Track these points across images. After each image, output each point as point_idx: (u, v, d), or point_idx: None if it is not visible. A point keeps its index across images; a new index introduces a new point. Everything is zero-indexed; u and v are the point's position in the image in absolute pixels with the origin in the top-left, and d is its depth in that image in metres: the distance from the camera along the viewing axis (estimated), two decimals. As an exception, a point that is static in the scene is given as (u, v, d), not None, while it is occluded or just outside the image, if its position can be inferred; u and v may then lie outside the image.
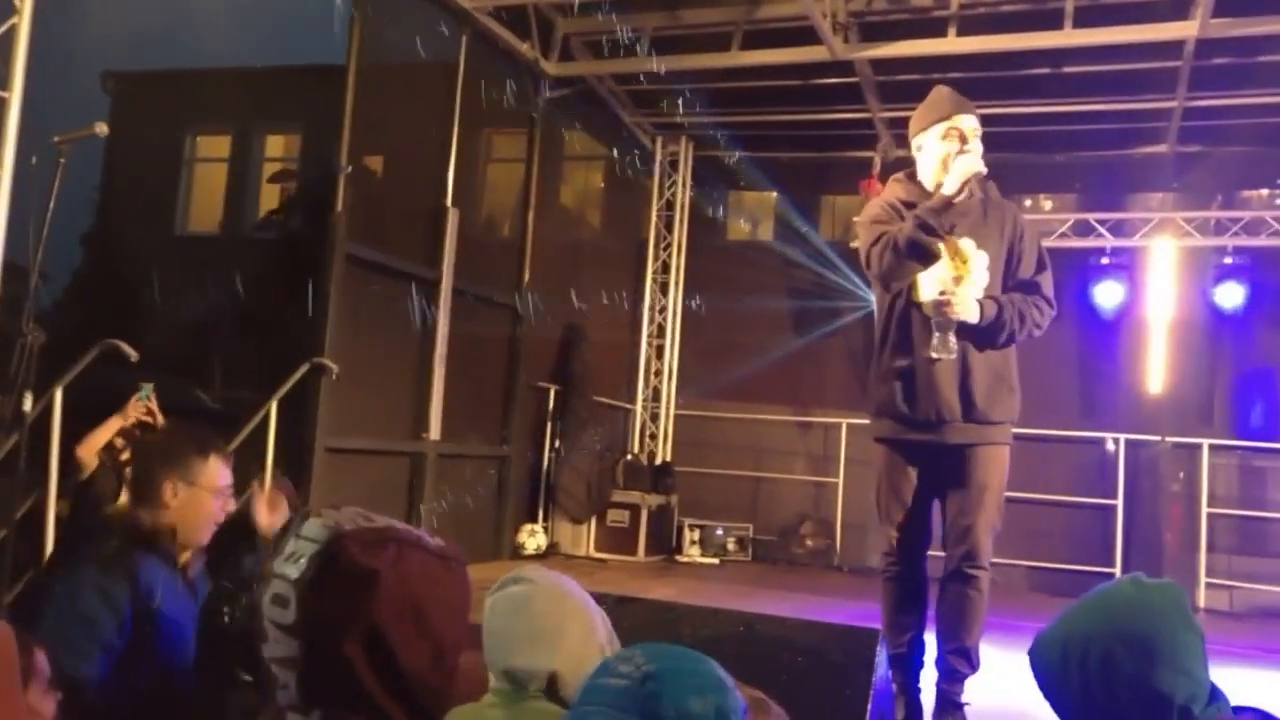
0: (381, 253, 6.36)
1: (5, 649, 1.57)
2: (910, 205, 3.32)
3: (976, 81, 7.77)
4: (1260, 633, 6.39)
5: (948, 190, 3.24)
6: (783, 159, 9.42)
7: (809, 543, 8.81)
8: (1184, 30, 6.63)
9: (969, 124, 3.33)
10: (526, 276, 7.97)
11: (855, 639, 2.76)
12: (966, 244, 3.30)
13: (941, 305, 3.17)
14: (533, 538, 7.92)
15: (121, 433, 3.37)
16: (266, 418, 5.01)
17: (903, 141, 8.80)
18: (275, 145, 13.98)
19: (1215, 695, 1.50)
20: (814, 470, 9.22)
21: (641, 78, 8.41)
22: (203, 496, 2.36)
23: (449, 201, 7.06)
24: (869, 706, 2.50)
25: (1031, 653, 1.58)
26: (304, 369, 5.46)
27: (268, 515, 2.58)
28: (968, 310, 3.20)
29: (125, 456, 3.21)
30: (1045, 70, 7.53)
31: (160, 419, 4.59)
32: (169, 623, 2.24)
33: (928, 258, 3.20)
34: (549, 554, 7.95)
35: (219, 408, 8.38)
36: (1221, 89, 7.49)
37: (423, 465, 6.74)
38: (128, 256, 12.65)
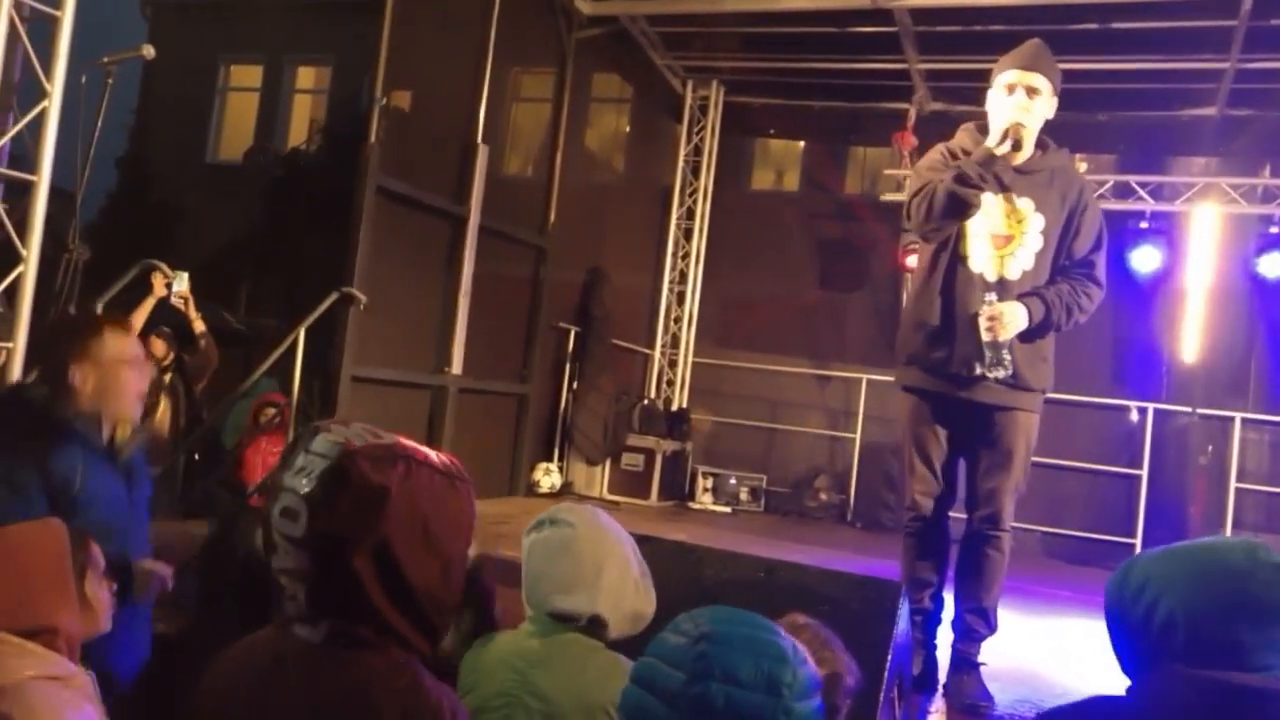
0: (411, 186, 6.34)
1: (58, 542, 1.61)
2: (967, 154, 3.27)
3: (1019, 35, 7.56)
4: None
5: (990, 142, 3.18)
6: (813, 107, 9.28)
7: (822, 496, 8.84)
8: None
9: (1037, 81, 3.26)
10: (552, 217, 7.93)
11: (877, 590, 2.74)
12: (1025, 204, 3.29)
13: (989, 329, 3.15)
14: (547, 476, 7.98)
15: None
16: (294, 344, 5.03)
17: (940, 94, 8.80)
18: (306, 77, 13.88)
19: None
20: (831, 424, 9.22)
21: (674, 20, 8.30)
22: (111, 372, 2.32)
23: (479, 138, 7.00)
24: (889, 658, 2.50)
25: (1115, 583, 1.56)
26: (333, 298, 5.47)
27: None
28: (1015, 326, 3.19)
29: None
30: (1093, 26, 7.35)
31: (193, 306, 4.74)
32: (93, 505, 2.21)
33: (963, 211, 3.17)
34: (563, 493, 8.02)
35: (245, 329, 8.44)
36: (1277, 51, 7.30)
37: (444, 399, 6.79)
38: (160, 181, 12.68)
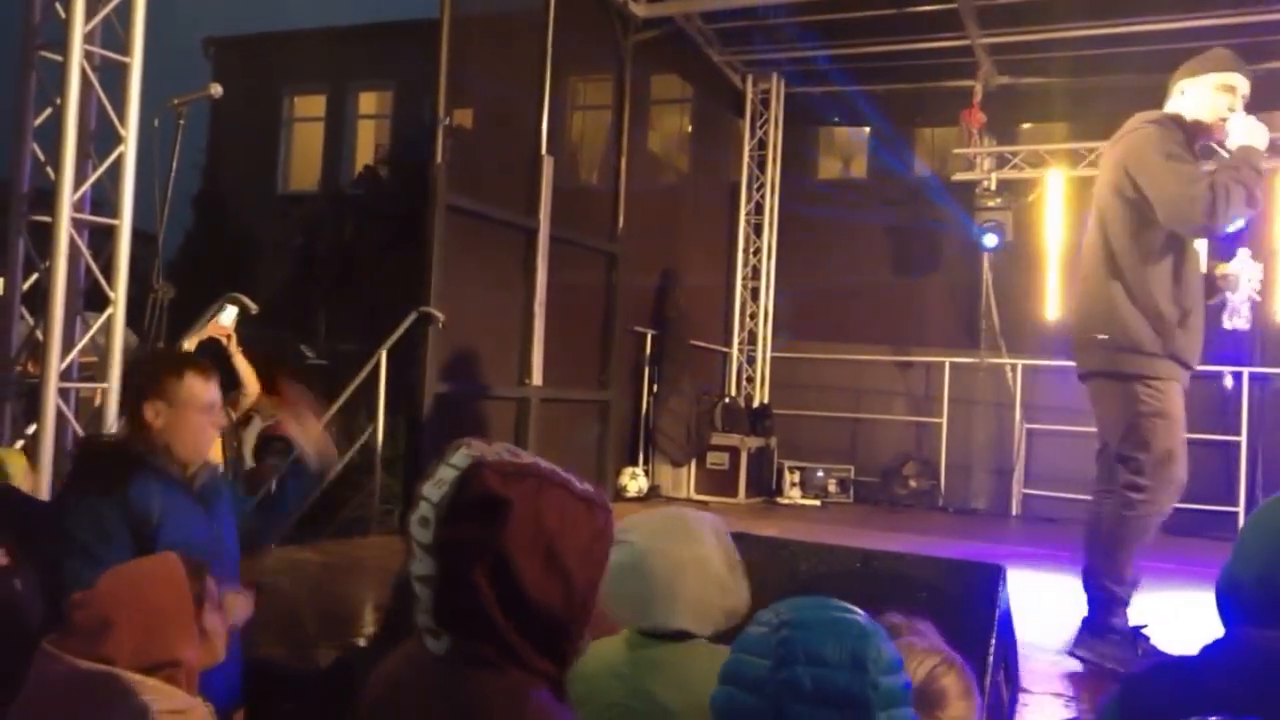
0: (480, 203, 6.44)
1: (178, 576, 1.68)
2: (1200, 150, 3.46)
3: (1080, 2, 7.45)
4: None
5: (1237, 142, 3.33)
6: (876, 92, 9.17)
7: (912, 483, 8.72)
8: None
9: (1245, 85, 3.44)
10: (621, 222, 7.98)
11: (976, 573, 2.72)
12: None
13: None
14: (634, 480, 8.03)
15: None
16: (377, 367, 5.15)
17: (1005, 68, 8.62)
18: (368, 102, 14.20)
19: None
20: (915, 410, 9.10)
21: (729, 15, 8.28)
22: (185, 414, 2.39)
23: (544, 150, 7.08)
24: (993, 640, 2.48)
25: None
26: (411, 318, 5.58)
27: (297, 429, 2.73)
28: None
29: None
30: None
31: (234, 338, 4.80)
32: (173, 536, 2.26)
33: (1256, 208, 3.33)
34: (650, 497, 8.05)
35: (324, 362, 8.64)
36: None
37: (527, 410, 6.87)
38: (235, 215, 13.07)
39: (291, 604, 3.80)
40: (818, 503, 8.56)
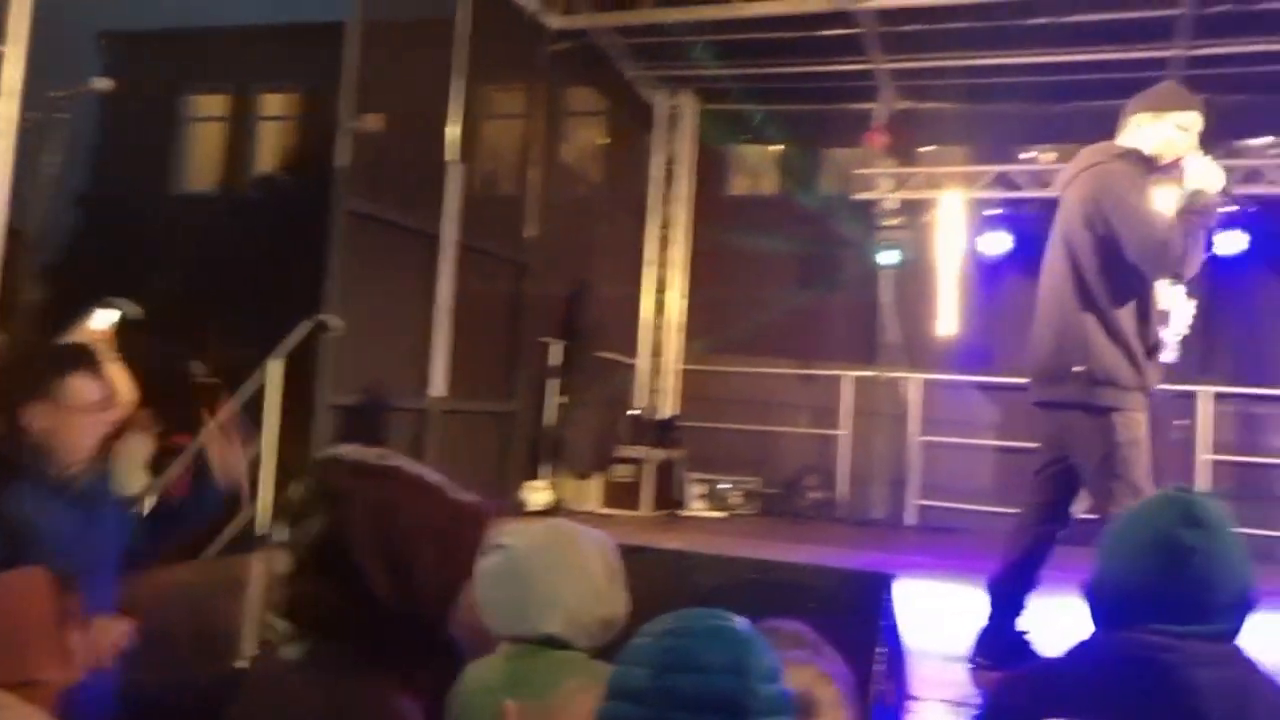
0: (384, 208, 6.35)
1: (39, 592, 1.61)
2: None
3: (980, 32, 7.71)
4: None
5: (1189, 185, 3.39)
6: (785, 112, 9.35)
7: (813, 495, 8.87)
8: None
9: (1200, 124, 3.51)
10: (530, 231, 7.96)
11: (865, 582, 2.80)
12: None
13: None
14: (537, 494, 7.96)
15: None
16: (269, 377, 5.02)
17: (906, 92, 8.88)
18: (273, 104, 13.88)
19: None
20: (818, 423, 9.27)
21: (644, 31, 8.36)
22: (68, 417, 2.28)
23: (451, 157, 7.02)
24: (879, 647, 2.54)
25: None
26: (305, 326, 5.45)
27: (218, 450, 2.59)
28: None
29: None
30: (1047, 20, 7.45)
31: (110, 345, 4.52)
32: (52, 539, 2.18)
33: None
34: (553, 510, 8.00)
35: (215, 380, 8.35)
36: (1223, 36, 7.41)
37: (426, 421, 6.78)
38: (125, 216, 12.60)
39: (169, 625, 3.67)
40: (723, 515, 8.63)
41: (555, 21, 7.96)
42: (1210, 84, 8.01)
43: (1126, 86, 8.51)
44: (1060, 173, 3.84)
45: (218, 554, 5.24)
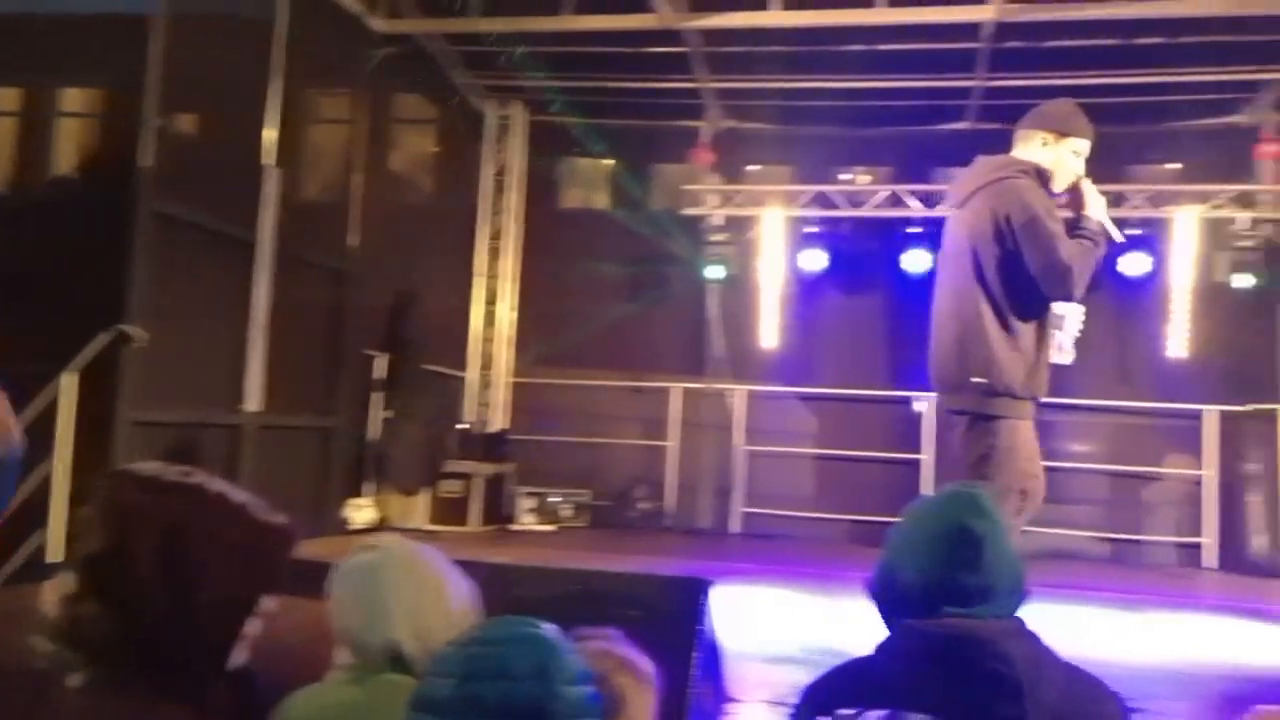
0: (195, 212, 6.02)
1: None
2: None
3: (799, 56, 8.05)
4: (1050, 571, 6.95)
5: (1088, 211, 3.54)
6: (617, 126, 9.45)
7: (642, 505, 8.97)
8: (983, 13, 7.05)
9: (1088, 151, 3.62)
10: (353, 240, 7.73)
11: (682, 588, 2.84)
12: None
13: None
14: (360, 512, 7.72)
15: None
16: (62, 391, 4.67)
17: (731, 112, 9.15)
18: (74, 99, 12.95)
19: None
20: (648, 434, 9.38)
21: (473, 39, 8.29)
22: None
23: (268, 160, 6.74)
24: (696, 650, 2.59)
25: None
26: (104, 337, 5.11)
27: None
28: None
29: None
30: (861, 48, 7.84)
31: None
32: None
33: None
34: (378, 528, 7.78)
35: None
36: (1018, 70, 7.98)
37: (240, 438, 6.46)
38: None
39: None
40: (553, 528, 8.60)
41: (380, 25, 7.78)
42: (1005, 114, 8.63)
43: (933, 113, 9.15)
44: (956, 185, 3.89)
45: (3, 584, 4.84)
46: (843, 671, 1.70)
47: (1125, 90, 7.82)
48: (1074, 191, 3.59)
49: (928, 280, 9.06)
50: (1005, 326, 3.49)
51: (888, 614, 1.69)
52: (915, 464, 8.60)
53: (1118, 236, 3.68)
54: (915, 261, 8.71)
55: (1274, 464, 8.01)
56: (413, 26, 8.05)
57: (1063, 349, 3.64)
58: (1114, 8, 6.89)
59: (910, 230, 8.74)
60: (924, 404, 8.76)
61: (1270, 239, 8.25)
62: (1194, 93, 7.89)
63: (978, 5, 7.05)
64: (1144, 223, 8.18)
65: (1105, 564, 8.18)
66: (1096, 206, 3.54)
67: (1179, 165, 8.78)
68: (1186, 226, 8.17)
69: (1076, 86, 7.88)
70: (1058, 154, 3.56)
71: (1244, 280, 8.17)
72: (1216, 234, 8.34)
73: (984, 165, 3.66)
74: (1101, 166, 3.84)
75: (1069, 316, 3.61)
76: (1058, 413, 8.65)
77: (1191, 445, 8.24)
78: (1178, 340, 8.26)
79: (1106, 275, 3.74)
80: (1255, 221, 8.22)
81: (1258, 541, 8.02)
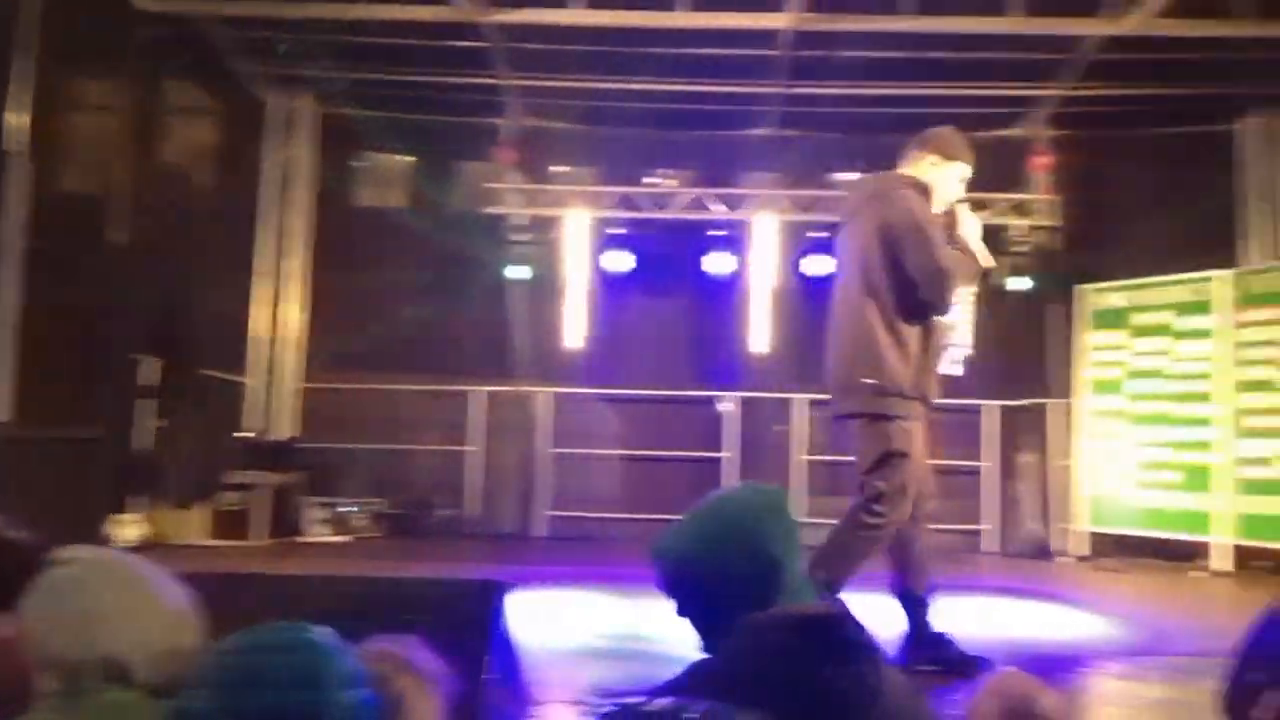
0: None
1: None
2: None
3: (602, 56, 8.00)
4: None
5: (962, 232, 3.80)
6: (416, 121, 9.11)
7: (442, 512, 8.69)
8: (778, 21, 7.22)
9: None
10: (119, 237, 7.06)
11: (477, 593, 2.71)
12: None
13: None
14: (126, 528, 7.05)
15: None
16: None
17: (536, 110, 9.01)
18: None
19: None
20: (449, 439, 9.08)
21: (253, 24, 7.77)
22: None
23: (14, 148, 6.06)
24: (490, 653, 2.46)
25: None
26: None
27: None
28: None
29: None
30: (664, 50, 7.86)
31: None
32: None
33: None
34: (149, 545, 7.13)
35: None
36: (817, 78, 8.24)
37: (-12, 451, 5.77)
38: None
39: None
40: (347, 538, 8.17)
41: (147, 3, 7.16)
42: (806, 120, 8.93)
43: (737, 118, 9.31)
44: (847, 199, 4.10)
45: None
46: (690, 676, 1.58)
47: (914, 101, 8.23)
48: (950, 214, 3.84)
49: (730, 282, 9.28)
50: (891, 330, 3.69)
51: (694, 610, 1.66)
52: (718, 462, 8.73)
53: (986, 261, 3.93)
54: (718, 264, 8.85)
55: (1044, 455, 8.62)
56: (184, 6, 7.46)
57: (954, 361, 3.86)
58: (900, 22, 7.20)
59: (713, 233, 8.87)
60: (728, 404, 8.91)
61: (1041, 245, 8.86)
62: (976, 106, 8.39)
63: (774, 13, 7.21)
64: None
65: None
66: (970, 229, 3.82)
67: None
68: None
69: (870, 96, 8.28)
70: (943, 175, 3.83)
71: (1019, 284, 8.72)
72: (993, 240, 8.88)
73: (872, 180, 3.92)
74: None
75: (957, 329, 3.82)
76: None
77: (972, 439, 8.71)
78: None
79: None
80: (1030, 229, 8.81)
81: (1030, 527, 8.59)
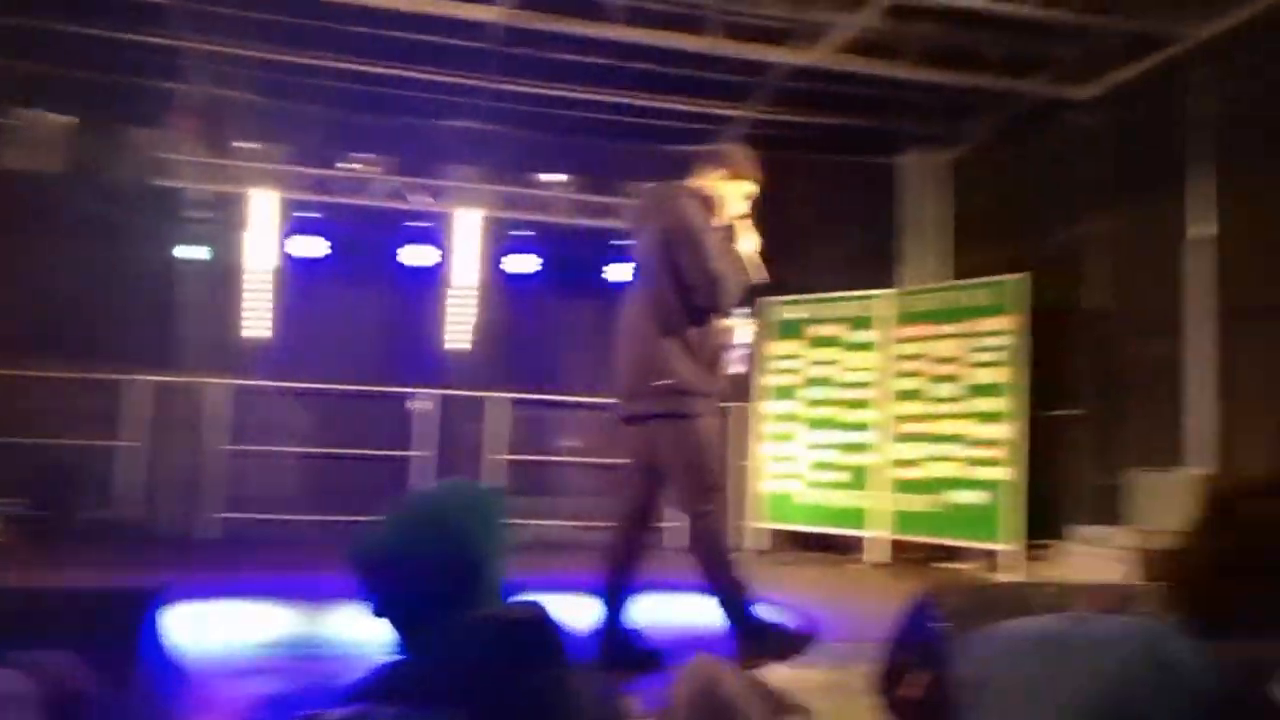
0: None
1: None
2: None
3: (290, 25, 7.49)
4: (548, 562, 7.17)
5: (740, 246, 4.09)
6: (76, 78, 8.07)
7: (93, 514, 7.83)
8: (488, 13, 7.10)
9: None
10: None
11: (124, 602, 2.42)
12: None
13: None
14: None
15: None
16: None
17: (219, 79, 8.26)
18: None
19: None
20: (102, 433, 8.12)
21: None
22: None
23: None
24: (138, 671, 2.20)
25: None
26: None
27: None
28: None
29: None
30: (365, 29, 7.50)
31: None
32: None
33: None
34: None
35: None
36: (526, 76, 8.19)
37: None
38: None
39: None
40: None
41: None
42: (512, 117, 8.86)
43: (443, 108, 9.06)
44: (638, 204, 4.36)
45: None
46: (379, 680, 1.49)
47: (619, 109, 8.38)
48: (730, 228, 4.10)
49: (429, 276, 9.08)
50: (678, 334, 3.91)
51: (393, 610, 1.62)
52: (407, 461, 8.47)
53: (757, 275, 4.14)
54: (417, 256, 8.60)
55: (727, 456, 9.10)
56: None
57: (736, 361, 4.12)
58: (606, 29, 7.30)
59: (413, 224, 8.62)
60: (424, 401, 8.67)
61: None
62: (676, 120, 8.69)
63: (485, 5, 7.07)
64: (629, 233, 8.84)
65: (590, 551, 8.69)
66: (747, 244, 4.10)
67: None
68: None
69: (577, 100, 8.36)
70: (730, 191, 4.08)
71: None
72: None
73: (659, 189, 4.17)
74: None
75: (736, 332, 4.10)
76: (546, 409, 9.07)
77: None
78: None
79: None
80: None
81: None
